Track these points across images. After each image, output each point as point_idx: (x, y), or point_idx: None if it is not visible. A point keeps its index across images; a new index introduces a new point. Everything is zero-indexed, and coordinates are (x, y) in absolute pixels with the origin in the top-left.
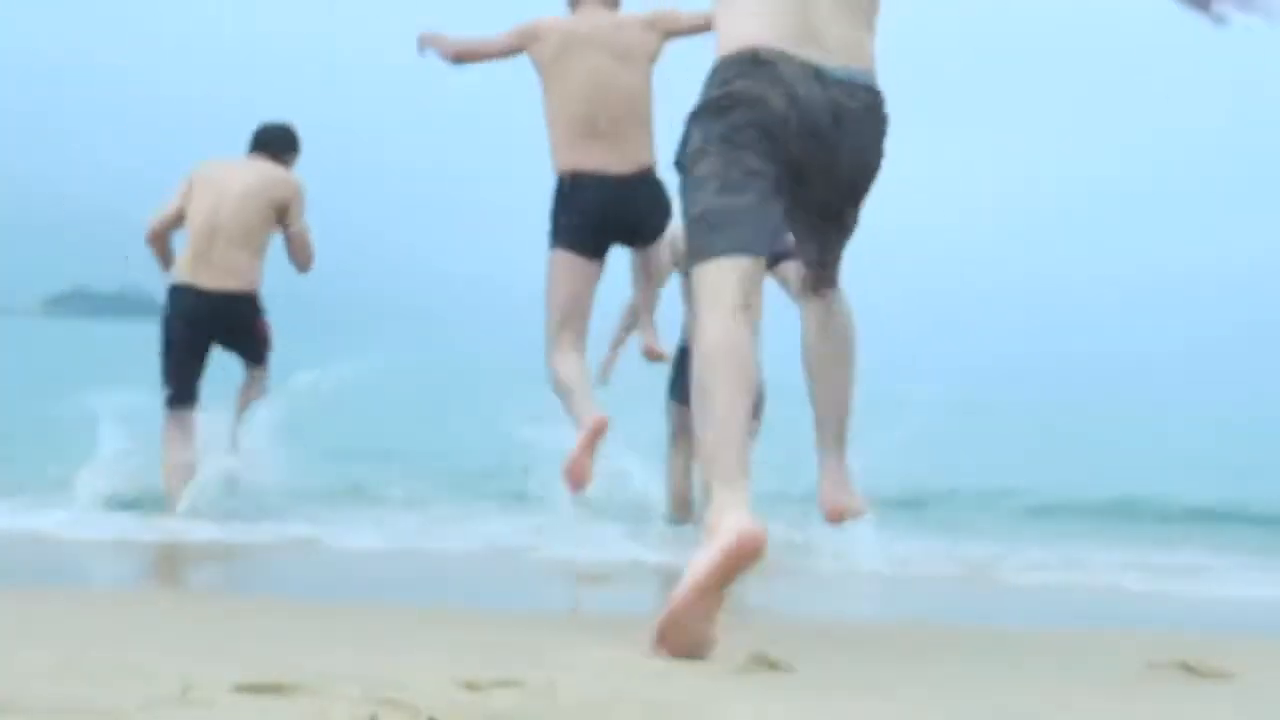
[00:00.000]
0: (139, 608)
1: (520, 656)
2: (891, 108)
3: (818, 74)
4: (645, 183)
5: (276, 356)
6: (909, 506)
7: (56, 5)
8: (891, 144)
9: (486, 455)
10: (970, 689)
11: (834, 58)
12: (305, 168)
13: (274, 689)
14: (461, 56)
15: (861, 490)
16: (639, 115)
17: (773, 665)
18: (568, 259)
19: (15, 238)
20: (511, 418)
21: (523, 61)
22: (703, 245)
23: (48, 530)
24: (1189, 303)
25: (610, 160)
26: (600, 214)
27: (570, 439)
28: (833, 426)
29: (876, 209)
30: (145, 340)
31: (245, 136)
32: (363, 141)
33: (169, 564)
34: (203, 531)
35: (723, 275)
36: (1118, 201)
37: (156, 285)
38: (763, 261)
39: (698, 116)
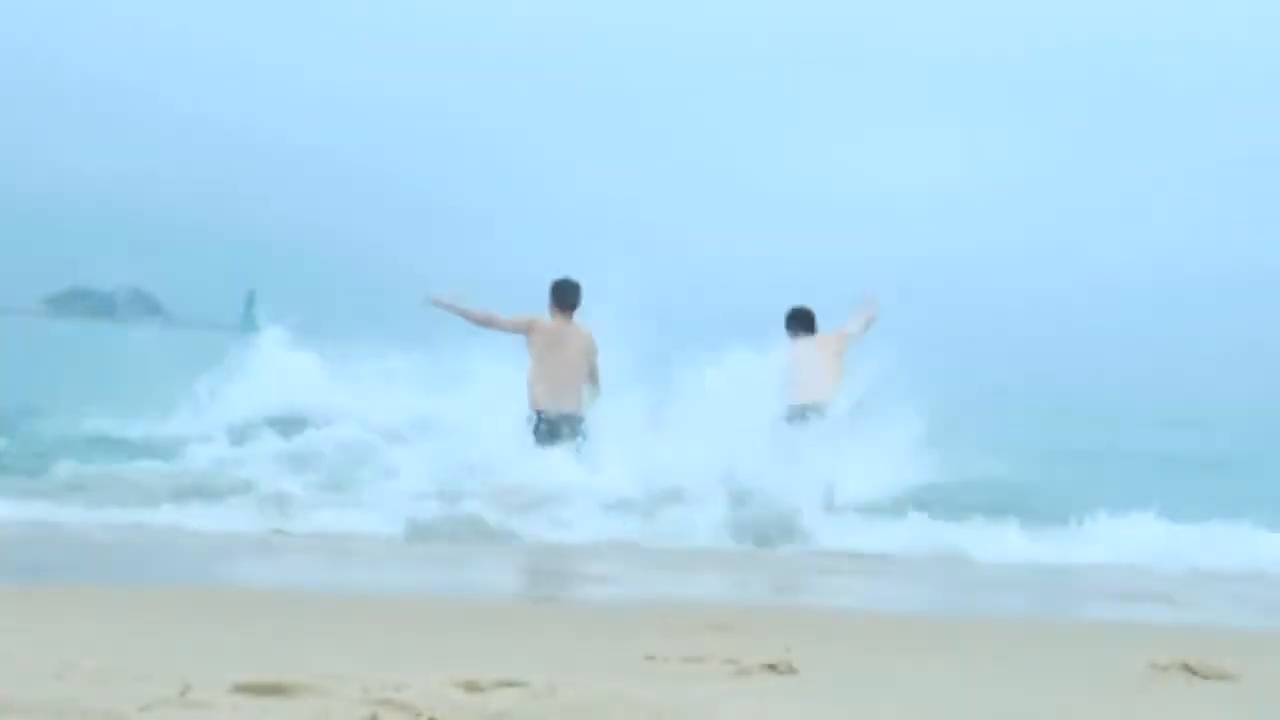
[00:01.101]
0: (137, 608)
1: (521, 657)
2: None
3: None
4: (573, 419)
5: None
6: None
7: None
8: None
9: None
10: (972, 689)
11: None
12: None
13: (273, 689)
14: (480, 322)
15: None
16: (579, 385)
17: (773, 667)
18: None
19: (14, 236)
20: None
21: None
22: None
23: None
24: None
25: (561, 407)
26: (553, 434)
27: None
28: None
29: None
30: (145, 341)
31: (247, 135)
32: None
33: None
34: None
35: None
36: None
37: (155, 286)
38: None
39: None
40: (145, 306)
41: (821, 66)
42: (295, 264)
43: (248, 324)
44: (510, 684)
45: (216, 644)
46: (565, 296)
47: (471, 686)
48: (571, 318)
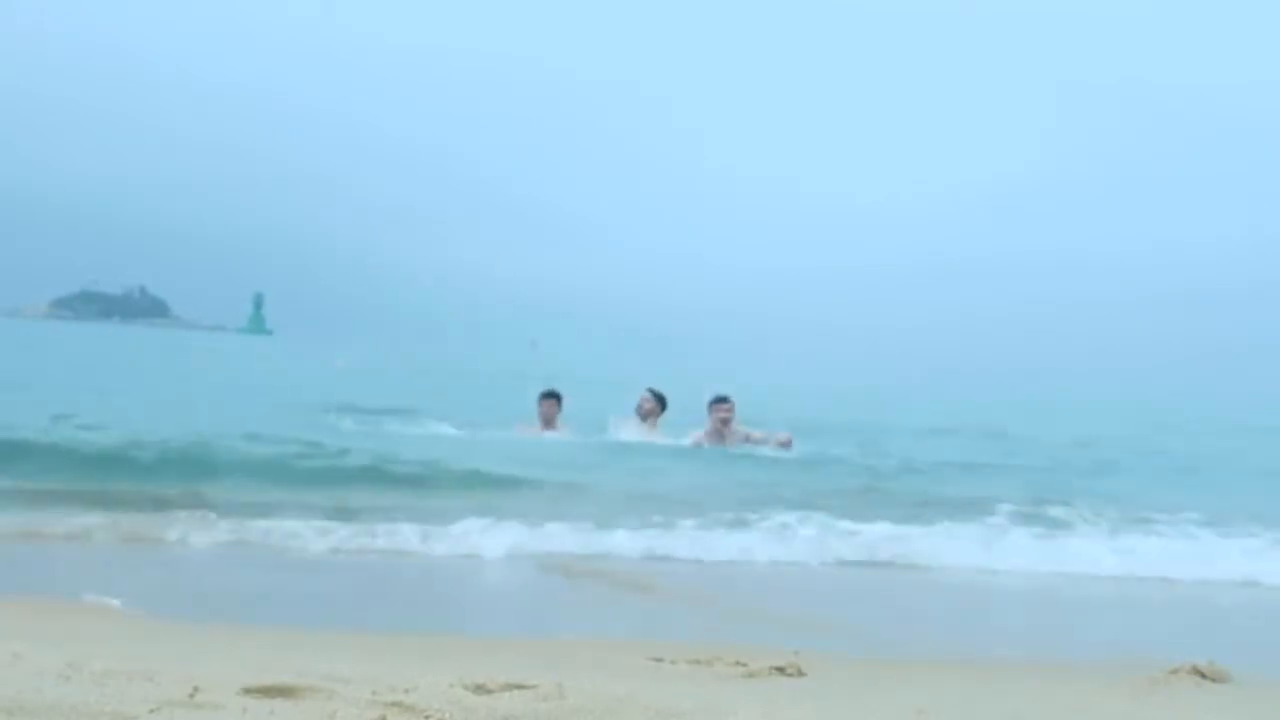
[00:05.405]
0: (143, 614)
1: (528, 660)
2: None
3: None
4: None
5: None
6: None
7: None
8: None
9: None
10: (981, 692)
11: None
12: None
13: (282, 691)
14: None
15: None
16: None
17: (781, 669)
18: None
19: (22, 239)
20: None
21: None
22: None
23: None
24: None
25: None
26: None
27: None
28: None
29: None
30: (151, 342)
31: (255, 134)
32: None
33: None
34: None
35: None
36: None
37: (163, 288)
38: None
39: None
40: (153, 309)
41: (791, 66)
42: (300, 268)
43: (256, 325)
44: (518, 686)
45: (223, 648)
46: (544, 400)
47: (480, 689)
48: (555, 421)
